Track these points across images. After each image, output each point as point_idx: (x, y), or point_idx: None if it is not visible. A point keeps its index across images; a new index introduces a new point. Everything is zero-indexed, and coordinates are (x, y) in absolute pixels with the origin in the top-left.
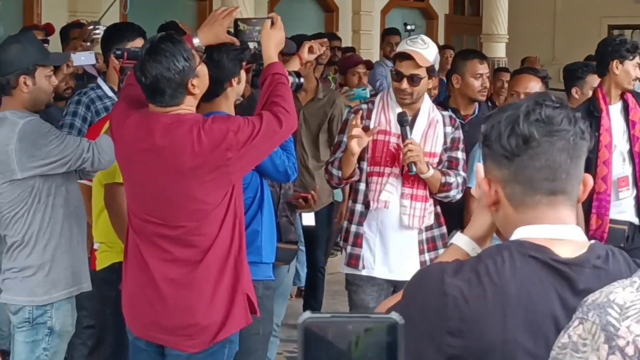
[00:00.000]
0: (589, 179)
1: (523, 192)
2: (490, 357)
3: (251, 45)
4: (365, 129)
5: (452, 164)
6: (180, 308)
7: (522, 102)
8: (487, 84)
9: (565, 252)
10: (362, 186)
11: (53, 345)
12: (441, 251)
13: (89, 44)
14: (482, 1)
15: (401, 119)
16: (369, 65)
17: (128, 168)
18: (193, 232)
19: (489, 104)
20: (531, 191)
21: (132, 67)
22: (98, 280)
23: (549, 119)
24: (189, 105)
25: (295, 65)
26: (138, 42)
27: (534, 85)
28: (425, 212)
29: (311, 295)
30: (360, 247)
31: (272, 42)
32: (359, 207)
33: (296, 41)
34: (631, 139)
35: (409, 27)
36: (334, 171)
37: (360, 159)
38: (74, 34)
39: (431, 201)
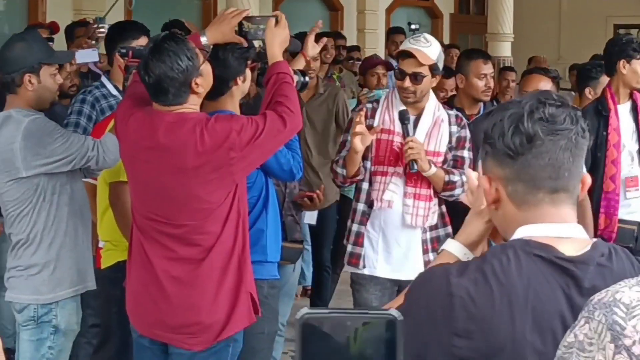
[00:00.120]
0: (587, 177)
1: (526, 191)
2: (498, 356)
3: (256, 43)
4: (369, 127)
5: (457, 162)
6: (183, 306)
7: (523, 99)
8: (491, 84)
9: (569, 250)
10: (366, 185)
11: (58, 344)
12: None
13: (93, 42)
14: (488, 0)
15: (402, 117)
16: (388, 66)
17: (132, 166)
18: (196, 231)
19: (494, 103)
20: (534, 189)
21: (137, 65)
22: (103, 279)
23: (552, 117)
24: (192, 104)
25: (300, 63)
26: (142, 41)
27: (545, 85)
28: (429, 211)
29: (317, 294)
30: (361, 246)
31: (276, 40)
32: (361, 207)
33: (300, 39)
34: None
35: (413, 27)
36: (339, 170)
37: (364, 158)
38: (78, 32)
39: (435, 201)
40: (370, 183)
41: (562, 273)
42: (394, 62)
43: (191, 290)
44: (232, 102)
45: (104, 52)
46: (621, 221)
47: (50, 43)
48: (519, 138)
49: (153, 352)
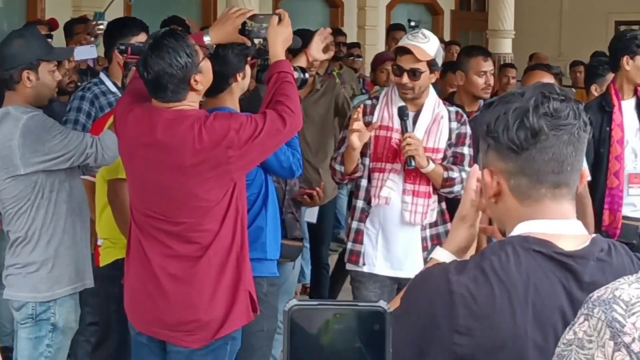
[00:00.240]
0: (586, 171)
1: (529, 185)
2: (500, 353)
3: (256, 40)
4: (368, 124)
5: (457, 159)
6: (181, 304)
7: (526, 92)
8: (491, 82)
9: (568, 245)
10: (364, 182)
11: (56, 342)
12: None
13: (92, 38)
14: None
15: (401, 113)
16: None
17: (130, 163)
18: (194, 229)
19: None
20: (537, 184)
21: (136, 62)
22: (102, 277)
23: (557, 112)
24: (191, 101)
25: (302, 61)
26: (142, 37)
27: (547, 82)
28: (428, 208)
29: (316, 292)
30: (361, 243)
31: (279, 38)
32: (360, 204)
33: (300, 36)
34: None
35: (412, 23)
36: (337, 166)
37: (363, 155)
38: (77, 29)
39: (435, 198)
40: (369, 180)
41: (561, 268)
42: None
43: (189, 287)
44: (231, 99)
45: (103, 50)
46: (625, 218)
47: (49, 40)
48: (523, 133)
49: (151, 349)
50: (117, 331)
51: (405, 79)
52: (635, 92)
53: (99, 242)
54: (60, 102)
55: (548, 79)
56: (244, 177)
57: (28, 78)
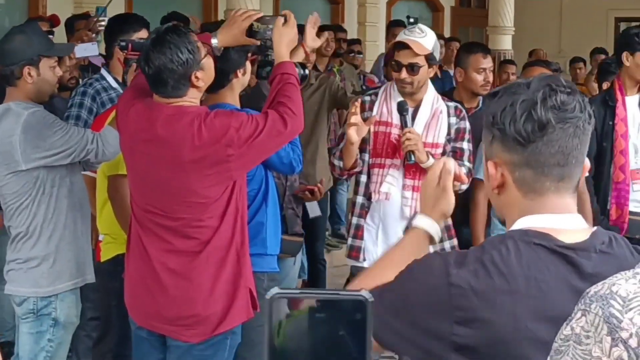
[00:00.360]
0: (587, 162)
1: (534, 178)
2: (500, 346)
3: None
4: (364, 120)
5: (456, 154)
6: (180, 298)
7: (532, 84)
8: (490, 78)
9: (569, 238)
10: (364, 178)
11: (57, 337)
12: (446, 244)
13: (94, 35)
14: None
15: (401, 108)
16: None
17: (131, 158)
18: (193, 224)
19: None
20: (542, 177)
21: (136, 58)
22: (102, 272)
23: (564, 105)
24: (192, 98)
25: (299, 56)
26: (143, 33)
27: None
28: None
29: (313, 287)
30: (361, 239)
31: (284, 39)
32: (360, 199)
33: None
34: None
35: (411, 20)
36: (336, 162)
37: (363, 150)
38: (79, 25)
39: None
40: (369, 176)
41: (563, 260)
42: None
43: (187, 282)
44: (232, 95)
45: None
46: (631, 213)
47: (51, 36)
48: (531, 125)
49: (151, 343)
50: (118, 326)
51: (404, 73)
52: (639, 89)
53: (100, 238)
54: (61, 98)
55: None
56: (244, 175)
57: (29, 74)
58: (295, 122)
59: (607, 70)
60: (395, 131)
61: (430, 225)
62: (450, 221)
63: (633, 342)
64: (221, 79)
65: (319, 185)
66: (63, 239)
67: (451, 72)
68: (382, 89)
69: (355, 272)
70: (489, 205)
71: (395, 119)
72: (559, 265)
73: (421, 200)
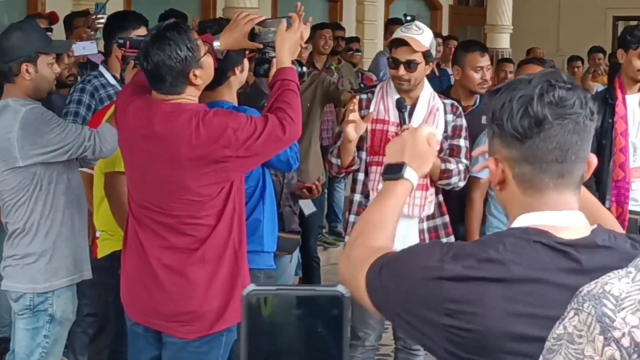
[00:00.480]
0: (594, 158)
1: (532, 174)
2: (490, 342)
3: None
4: (362, 117)
5: (453, 151)
6: (176, 295)
7: (533, 80)
8: (488, 77)
9: (569, 235)
10: (361, 176)
11: (54, 333)
12: (444, 241)
13: (92, 32)
14: None
15: (399, 105)
16: None
17: (129, 154)
18: (188, 222)
19: None
20: (541, 173)
21: (134, 55)
22: (99, 269)
23: (562, 101)
24: (190, 95)
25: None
26: (142, 31)
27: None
28: (425, 200)
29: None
30: None
31: (286, 45)
32: (357, 197)
33: None
34: None
35: (408, 18)
36: (333, 160)
37: (360, 148)
38: (77, 22)
39: (432, 190)
40: (366, 174)
41: (563, 257)
42: None
43: (183, 279)
44: (229, 92)
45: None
46: (629, 212)
47: (49, 33)
48: (527, 121)
49: (147, 339)
50: (115, 322)
51: (401, 71)
52: None
53: (97, 234)
54: (59, 94)
55: None
56: (242, 176)
57: (27, 71)
58: (293, 129)
59: (616, 70)
60: (392, 129)
61: (416, 179)
62: (447, 218)
63: (625, 342)
64: (219, 77)
65: (316, 183)
66: (60, 235)
67: (449, 70)
68: (379, 86)
69: None
70: (485, 203)
71: (392, 116)
72: (558, 262)
73: (408, 154)
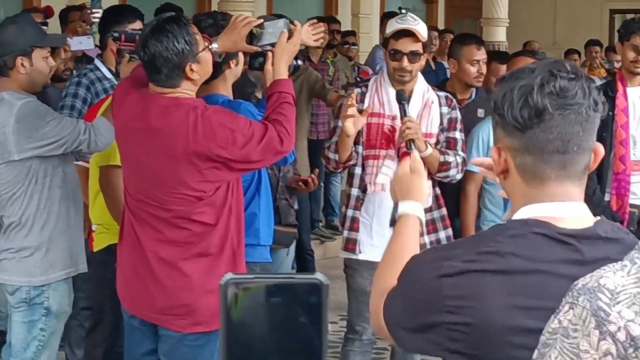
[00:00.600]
0: (600, 147)
1: (534, 164)
2: (494, 335)
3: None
4: (359, 112)
5: (450, 144)
6: (171, 288)
7: (536, 69)
8: (484, 70)
9: (571, 225)
10: (358, 170)
11: (50, 326)
12: (442, 233)
13: (88, 26)
14: None
15: (400, 97)
16: None
17: (125, 147)
18: (184, 216)
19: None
20: (542, 163)
21: (129, 49)
22: (95, 262)
23: (563, 91)
24: (187, 90)
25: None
26: (137, 25)
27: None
28: None
29: None
30: (357, 231)
31: (284, 56)
32: (355, 192)
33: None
34: None
35: (403, 11)
36: (331, 155)
37: (356, 142)
38: (73, 16)
39: (429, 183)
40: (363, 168)
41: (564, 248)
42: None
43: (179, 272)
44: (225, 86)
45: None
46: (630, 205)
47: (45, 27)
48: (527, 111)
49: (143, 332)
50: (111, 316)
51: (405, 62)
52: None
53: (93, 228)
54: (55, 88)
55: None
56: (240, 177)
57: (22, 64)
58: (289, 142)
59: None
60: (388, 122)
61: (419, 210)
62: (445, 211)
63: (621, 336)
64: (214, 70)
65: (312, 176)
66: (56, 228)
67: (445, 63)
68: (372, 80)
69: (348, 263)
70: (479, 196)
71: (388, 110)
72: (560, 253)
73: (399, 193)
